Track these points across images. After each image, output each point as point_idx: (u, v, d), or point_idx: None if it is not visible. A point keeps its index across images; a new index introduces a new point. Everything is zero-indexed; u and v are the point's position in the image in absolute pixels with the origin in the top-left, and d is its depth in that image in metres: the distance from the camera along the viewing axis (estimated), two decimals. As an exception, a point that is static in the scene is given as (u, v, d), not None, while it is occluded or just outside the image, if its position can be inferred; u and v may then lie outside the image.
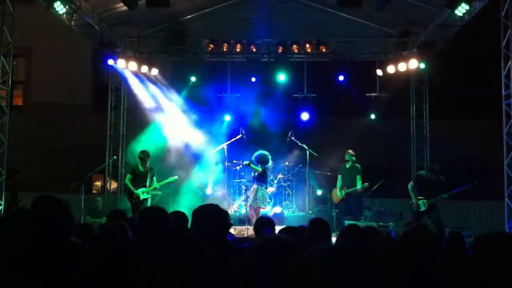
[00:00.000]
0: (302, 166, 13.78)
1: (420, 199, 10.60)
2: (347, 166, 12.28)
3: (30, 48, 17.09)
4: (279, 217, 12.62)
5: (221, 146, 13.44)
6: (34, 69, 17.69)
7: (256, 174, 11.38)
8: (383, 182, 12.67)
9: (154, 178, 11.45)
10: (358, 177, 12.09)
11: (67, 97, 17.20)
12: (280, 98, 15.05)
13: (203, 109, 14.95)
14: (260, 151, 11.44)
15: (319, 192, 13.77)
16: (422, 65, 13.73)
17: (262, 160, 11.31)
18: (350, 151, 12.31)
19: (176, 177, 11.76)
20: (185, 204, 11.94)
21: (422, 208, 10.59)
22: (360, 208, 12.44)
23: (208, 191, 13.74)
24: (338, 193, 12.30)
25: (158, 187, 11.54)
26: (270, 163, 11.81)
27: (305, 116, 14.76)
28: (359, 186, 11.95)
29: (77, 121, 16.58)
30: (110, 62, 13.66)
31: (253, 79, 14.80)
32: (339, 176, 12.39)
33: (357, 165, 12.24)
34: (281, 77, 14.59)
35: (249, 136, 13.65)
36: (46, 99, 17.16)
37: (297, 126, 14.59)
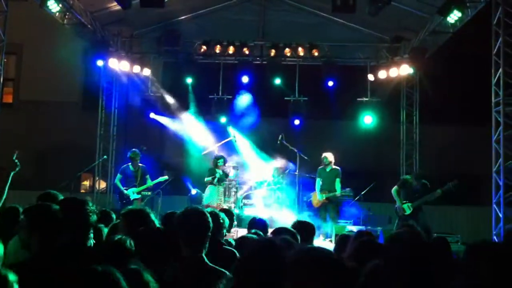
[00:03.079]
0: (292, 169, 13.77)
1: (405, 203, 10.53)
2: (327, 169, 12.10)
3: (21, 46, 16.99)
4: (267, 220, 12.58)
5: (211, 148, 13.44)
6: (25, 66, 17.58)
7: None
8: (374, 184, 12.63)
9: (147, 177, 11.39)
10: (338, 180, 11.97)
11: (58, 95, 17.11)
12: (271, 100, 15.05)
13: (194, 111, 14.91)
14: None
15: None
16: (411, 70, 13.78)
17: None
18: (329, 154, 12.11)
19: (166, 177, 11.72)
20: (174, 205, 11.89)
21: (408, 212, 10.47)
22: (339, 212, 12.32)
23: (193, 191, 13.69)
24: (318, 197, 12.09)
25: (151, 185, 11.51)
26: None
27: (296, 120, 14.73)
28: (338, 190, 11.90)
29: (67, 119, 16.49)
30: (99, 63, 13.55)
31: (245, 79, 14.67)
32: (318, 180, 12.14)
33: (337, 168, 12.12)
34: (277, 81, 14.60)
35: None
36: (37, 97, 17.07)
37: (288, 129, 14.58)
